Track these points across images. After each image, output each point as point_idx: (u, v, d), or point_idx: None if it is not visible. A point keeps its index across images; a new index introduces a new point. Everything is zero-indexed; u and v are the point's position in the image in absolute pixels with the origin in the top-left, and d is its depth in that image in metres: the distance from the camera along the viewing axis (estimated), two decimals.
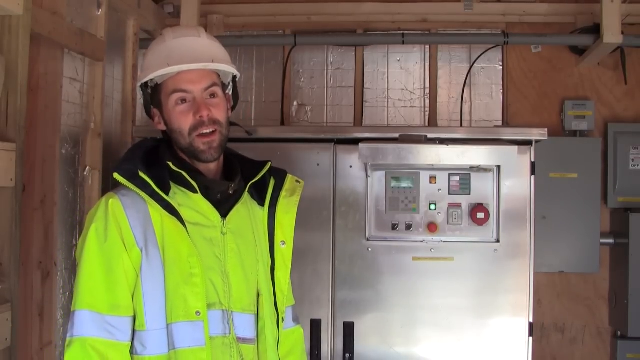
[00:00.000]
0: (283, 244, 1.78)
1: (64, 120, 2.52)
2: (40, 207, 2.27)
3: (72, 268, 2.61)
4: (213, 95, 1.70)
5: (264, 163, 1.80)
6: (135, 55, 3.16)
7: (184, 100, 1.68)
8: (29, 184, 2.15)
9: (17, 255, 1.93)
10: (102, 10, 2.76)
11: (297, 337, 1.90)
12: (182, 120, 1.67)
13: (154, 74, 1.69)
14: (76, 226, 2.66)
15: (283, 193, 1.80)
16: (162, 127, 1.74)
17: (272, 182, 1.80)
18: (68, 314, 2.55)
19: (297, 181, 1.85)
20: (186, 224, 1.62)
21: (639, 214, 3.26)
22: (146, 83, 1.74)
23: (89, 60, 2.70)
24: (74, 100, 2.62)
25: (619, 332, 3.32)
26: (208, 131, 1.67)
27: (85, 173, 2.70)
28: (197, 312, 1.59)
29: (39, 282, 2.28)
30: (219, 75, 1.76)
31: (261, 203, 1.78)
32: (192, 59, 1.67)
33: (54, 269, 2.38)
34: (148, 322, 1.59)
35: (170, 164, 1.66)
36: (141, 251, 1.60)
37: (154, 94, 1.74)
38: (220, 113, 1.69)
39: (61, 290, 2.53)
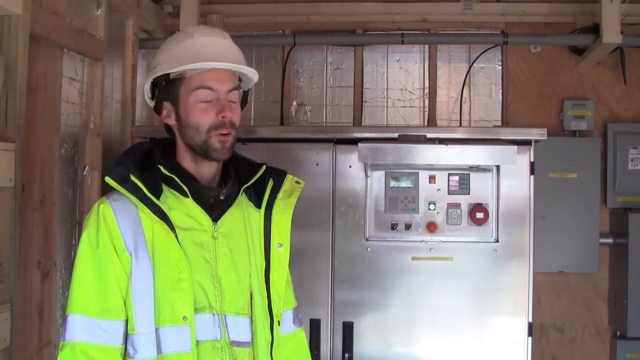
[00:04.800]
0: (280, 246, 1.76)
1: (64, 120, 2.52)
2: (39, 207, 2.27)
3: (72, 268, 2.60)
4: (232, 99, 1.70)
5: (259, 166, 1.80)
6: (134, 55, 3.16)
7: (208, 98, 1.67)
8: (28, 184, 2.15)
9: (17, 255, 1.93)
10: (101, 10, 2.76)
11: (299, 340, 1.88)
12: (203, 118, 1.65)
13: (186, 67, 1.64)
14: (75, 226, 2.66)
15: (280, 194, 1.78)
16: (172, 121, 1.71)
17: (270, 184, 1.78)
18: None
19: (297, 182, 1.84)
20: (176, 228, 1.62)
21: (639, 213, 3.26)
22: (162, 75, 1.70)
23: (88, 60, 2.70)
24: (73, 100, 2.62)
25: (619, 332, 3.32)
26: (226, 132, 1.66)
27: (84, 173, 2.70)
28: (184, 317, 1.59)
29: (38, 282, 2.28)
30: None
31: (258, 205, 1.77)
32: (224, 59, 1.66)
33: (53, 268, 2.38)
34: (138, 325, 1.60)
35: (162, 167, 1.65)
36: (131, 255, 1.60)
37: (169, 87, 1.69)
38: (236, 117, 1.70)
39: (60, 290, 2.53)
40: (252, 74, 1.76)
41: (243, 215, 1.75)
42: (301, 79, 3.69)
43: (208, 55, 1.65)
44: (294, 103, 3.68)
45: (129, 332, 1.60)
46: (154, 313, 1.60)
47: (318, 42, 3.62)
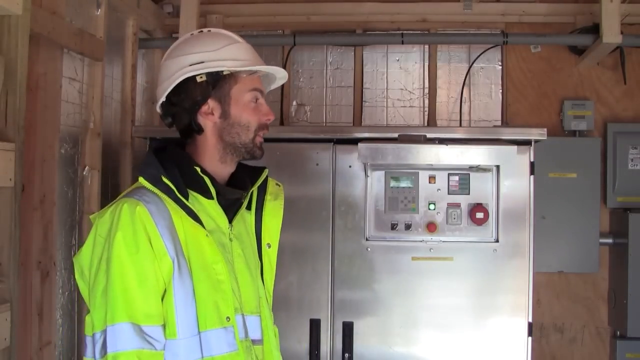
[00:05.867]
0: (269, 247, 1.80)
1: (63, 120, 2.52)
2: (39, 206, 2.27)
3: (72, 268, 2.60)
4: None
5: (261, 169, 1.81)
6: (134, 55, 3.16)
7: (257, 100, 1.72)
8: (28, 184, 2.15)
9: (17, 255, 1.93)
10: (101, 10, 2.76)
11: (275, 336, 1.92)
12: (254, 117, 1.70)
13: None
14: (75, 226, 2.66)
15: (268, 197, 1.81)
16: (214, 118, 1.69)
17: (256, 187, 1.81)
18: (67, 313, 2.57)
19: (277, 184, 1.86)
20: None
21: (638, 213, 3.26)
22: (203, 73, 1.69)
23: (88, 60, 2.70)
24: (73, 100, 2.62)
25: (618, 332, 3.33)
26: (265, 133, 1.73)
27: (84, 173, 2.70)
28: (227, 318, 1.60)
29: (38, 282, 2.28)
30: None
31: (247, 207, 1.79)
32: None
33: (53, 268, 2.38)
34: (180, 330, 1.57)
35: (198, 169, 1.64)
36: (172, 261, 1.56)
37: (217, 85, 1.68)
38: None
39: (60, 290, 2.53)
40: (278, 82, 1.85)
41: (242, 217, 1.77)
42: (301, 79, 3.69)
43: (263, 61, 1.74)
44: (294, 103, 3.68)
45: (167, 337, 1.56)
46: (196, 317, 1.58)
47: (318, 42, 3.62)
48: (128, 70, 3.12)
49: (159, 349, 1.54)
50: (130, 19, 3.13)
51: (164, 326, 1.56)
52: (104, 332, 1.51)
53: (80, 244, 2.38)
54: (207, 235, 1.60)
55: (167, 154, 1.69)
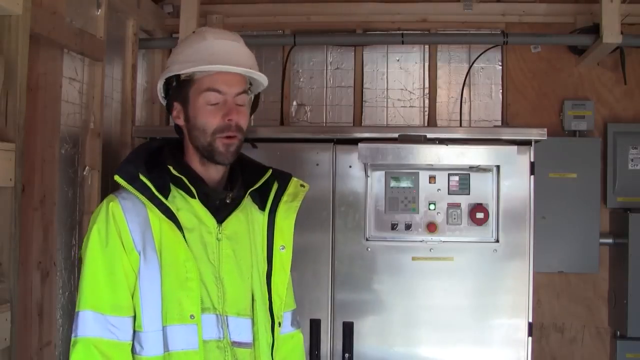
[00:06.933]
0: (283, 249, 1.78)
1: (64, 120, 2.52)
2: (39, 207, 2.27)
3: (72, 268, 2.61)
4: (240, 102, 1.70)
5: (266, 169, 1.80)
6: (134, 55, 3.16)
7: (215, 101, 1.67)
8: (28, 184, 2.15)
9: (17, 255, 1.93)
10: (101, 10, 2.76)
11: (295, 342, 1.90)
12: (210, 119, 1.66)
13: (197, 68, 1.65)
14: (75, 226, 2.66)
15: (284, 198, 1.79)
16: (181, 121, 1.72)
17: (274, 187, 1.79)
18: (68, 314, 2.57)
19: (301, 185, 1.84)
20: (183, 228, 1.63)
21: (638, 214, 3.26)
22: (173, 75, 1.71)
23: (88, 60, 2.70)
24: (73, 100, 2.62)
25: (619, 332, 3.32)
26: (232, 135, 1.67)
27: (84, 173, 2.70)
28: (192, 316, 1.61)
29: (38, 282, 2.28)
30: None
31: (262, 207, 1.79)
32: (235, 62, 1.67)
33: (53, 269, 2.38)
34: (145, 323, 1.61)
35: (171, 168, 1.66)
36: (139, 254, 1.62)
37: (180, 88, 1.70)
38: (244, 121, 1.70)
39: (60, 290, 2.53)
40: (262, 79, 1.77)
41: (247, 217, 1.77)
42: (301, 79, 3.69)
43: (218, 58, 1.66)
44: (294, 103, 3.68)
45: (136, 329, 1.62)
46: (162, 311, 1.62)
47: (318, 42, 3.62)
48: (128, 70, 3.12)
49: (124, 339, 1.59)
50: (130, 19, 3.13)
51: (133, 318, 1.62)
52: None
53: (80, 244, 2.39)
54: (180, 233, 1.62)
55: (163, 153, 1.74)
